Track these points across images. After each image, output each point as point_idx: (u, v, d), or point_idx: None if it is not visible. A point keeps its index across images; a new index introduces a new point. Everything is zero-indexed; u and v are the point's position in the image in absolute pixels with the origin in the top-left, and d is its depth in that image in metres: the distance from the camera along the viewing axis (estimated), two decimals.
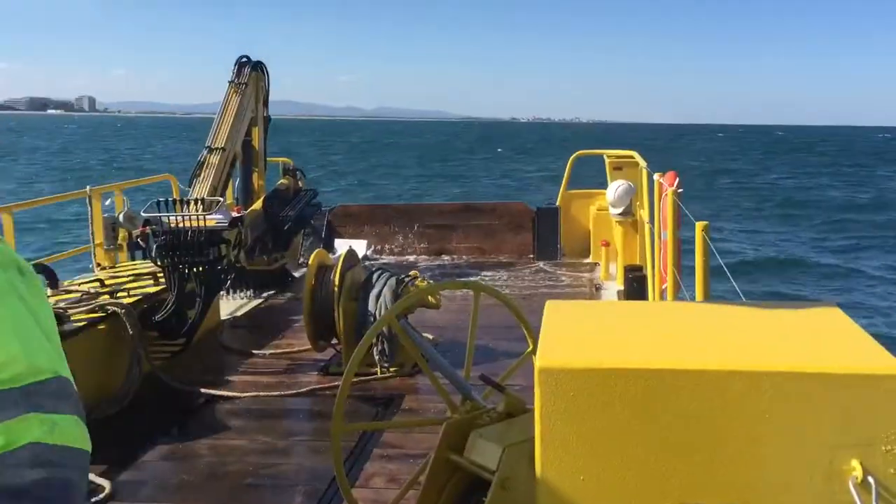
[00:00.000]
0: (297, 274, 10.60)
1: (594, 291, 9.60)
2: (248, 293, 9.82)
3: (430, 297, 6.63)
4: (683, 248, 6.72)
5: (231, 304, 9.41)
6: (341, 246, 11.39)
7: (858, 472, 2.09)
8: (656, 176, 7.22)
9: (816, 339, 2.33)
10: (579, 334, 2.42)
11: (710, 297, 4.90)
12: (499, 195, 40.73)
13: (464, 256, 11.89)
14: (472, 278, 10.42)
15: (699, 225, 4.85)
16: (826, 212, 36.13)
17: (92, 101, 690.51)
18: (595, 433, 2.21)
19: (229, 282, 9.10)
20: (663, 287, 6.85)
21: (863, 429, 2.10)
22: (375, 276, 7.00)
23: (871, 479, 2.08)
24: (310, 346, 7.24)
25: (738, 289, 4.66)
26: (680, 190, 6.66)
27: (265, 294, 9.88)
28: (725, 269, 4.65)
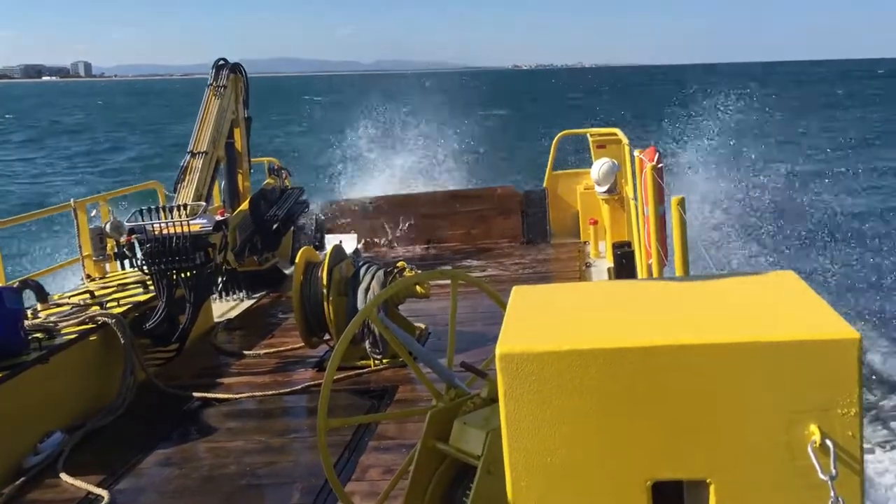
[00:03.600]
0: (288, 272, 10.63)
1: (584, 269, 9.64)
2: (241, 294, 9.86)
3: (417, 288, 6.66)
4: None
5: (224, 306, 9.44)
6: (331, 242, 11.43)
7: (817, 437, 2.12)
8: (637, 152, 7.24)
9: (772, 307, 2.36)
10: (541, 318, 2.45)
11: (689, 269, 4.94)
12: None
13: (455, 243, 11.91)
14: (461, 265, 10.47)
15: (674, 200, 4.87)
16: None
17: (88, 66, 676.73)
18: (558, 415, 2.24)
19: (221, 284, 9.13)
20: (649, 262, 6.88)
21: (819, 394, 2.13)
22: (363, 269, 7.03)
23: (829, 443, 2.12)
24: (303, 344, 7.28)
25: (710, 261, 4.69)
26: (660, 165, 6.67)
27: (257, 294, 9.91)
28: (699, 244, 4.67)
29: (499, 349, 2.25)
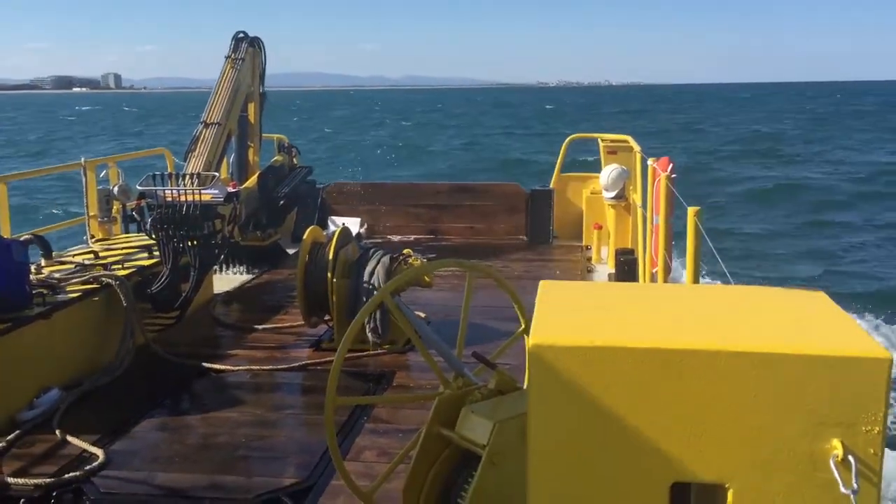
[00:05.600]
0: (290, 250, 10.64)
1: (585, 274, 9.67)
2: (242, 268, 9.86)
3: (424, 276, 6.68)
4: (675, 232, 6.80)
5: (224, 280, 9.44)
6: (335, 223, 11.42)
7: (839, 452, 2.16)
8: (650, 161, 7.27)
9: (803, 321, 2.39)
10: (572, 313, 2.48)
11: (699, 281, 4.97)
12: None
13: (456, 237, 11.93)
14: (460, 258, 10.48)
15: (691, 210, 4.90)
16: None
17: (118, 77, 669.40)
18: (585, 410, 2.27)
19: (223, 257, 9.14)
20: (654, 271, 6.91)
21: (845, 410, 2.16)
22: (369, 254, 7.04)
23: (851, 459, 2.15)
24: (302, 322, 7.29)
25: (727, 272, 4.72)
26: (673, 175, 6.70)
27: (258, 270, 9.91)
28: (716, 253, 4.71)
29: (531, 341, 2.27)
